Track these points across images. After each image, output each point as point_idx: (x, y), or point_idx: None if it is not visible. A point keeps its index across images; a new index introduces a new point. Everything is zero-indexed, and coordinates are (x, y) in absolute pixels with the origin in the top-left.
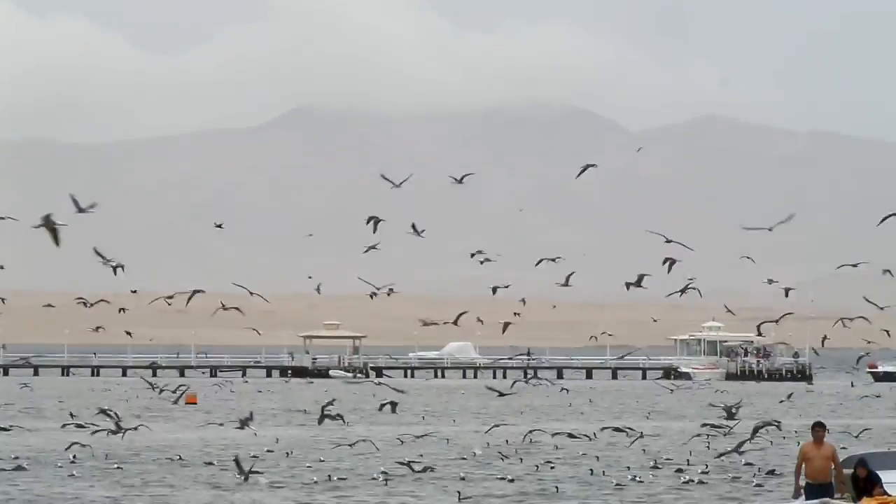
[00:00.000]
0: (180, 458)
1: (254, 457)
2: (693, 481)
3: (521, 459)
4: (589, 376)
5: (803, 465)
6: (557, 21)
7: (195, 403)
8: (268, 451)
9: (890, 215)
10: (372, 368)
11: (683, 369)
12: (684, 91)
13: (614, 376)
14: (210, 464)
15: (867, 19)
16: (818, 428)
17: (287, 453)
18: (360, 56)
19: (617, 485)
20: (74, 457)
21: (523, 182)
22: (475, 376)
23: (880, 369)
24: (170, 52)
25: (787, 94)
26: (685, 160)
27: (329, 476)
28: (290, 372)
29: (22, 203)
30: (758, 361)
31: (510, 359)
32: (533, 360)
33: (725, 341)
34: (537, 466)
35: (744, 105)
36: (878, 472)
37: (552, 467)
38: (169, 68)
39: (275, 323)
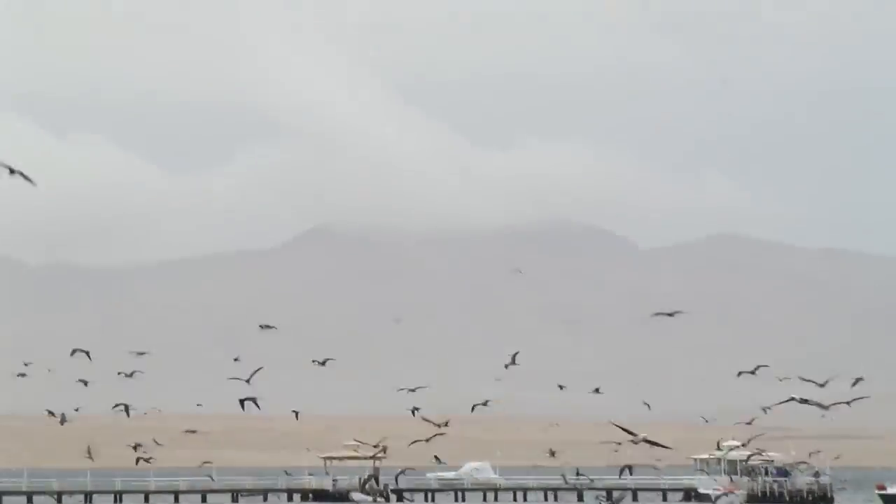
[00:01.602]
0: None
1: None
2: None
3: None
4: (609, 497)
5: None
6: (572, 138)
7: None
8: None
9: None
10: (393, 491)
11: (703, 490)
12: (698, 208)
13: (635, 497)
14: None
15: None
16: None
17: None
18: (379, 175)
19: None
20: None
21: (540, 301)
22: (496, 498)
23: (889, 491)
24: (190, 173)
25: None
26: (698, 277)
27: None
28: (311, 495)
29: (41, 324)
30: (778, 483)
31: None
32: (582, 478)
33: (745, 460)
34: None
35: (756, 221)
36: None
37: None
38: (189, 188)
39: (295, 444)
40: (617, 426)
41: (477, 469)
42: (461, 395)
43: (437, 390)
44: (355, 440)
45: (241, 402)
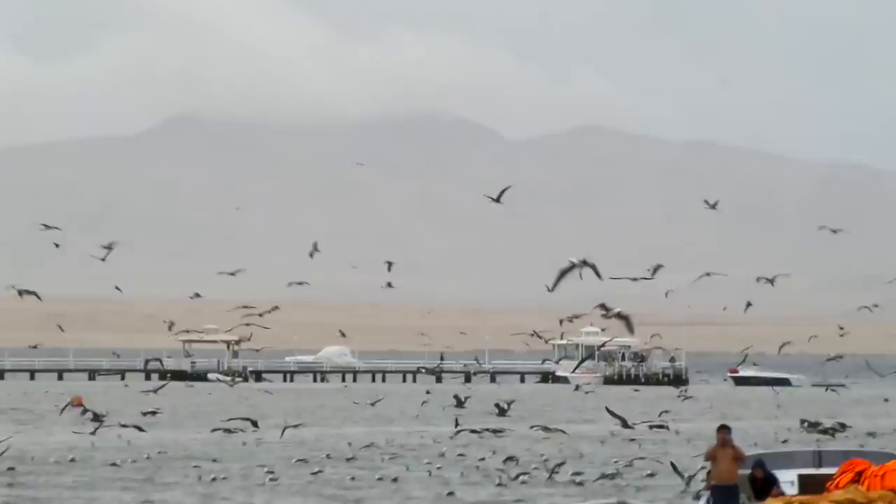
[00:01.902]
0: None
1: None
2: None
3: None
4: (468, 380)
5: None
6: (440, 30)
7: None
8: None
9: None
10: (251, 372)
11: (560, 373)
12: (565, 100)
13: (493, 380)
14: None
15: (740, 24)
16: (722, 430)
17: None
18: (246, 65)
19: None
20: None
21: (404, 192)
22: (354, 380)
23: (741, 373)
24: (53, 58)
25: (664, 103)
26: (563, 169)
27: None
28: (168, 375)
29: None
30: (634, 366)
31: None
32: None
33: (602, 345)
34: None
35: (623, 115)
36: (774, 472)
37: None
38: (52, 74)
39: (156, 327)
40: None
41: (335, 353)
42: (328, 282)
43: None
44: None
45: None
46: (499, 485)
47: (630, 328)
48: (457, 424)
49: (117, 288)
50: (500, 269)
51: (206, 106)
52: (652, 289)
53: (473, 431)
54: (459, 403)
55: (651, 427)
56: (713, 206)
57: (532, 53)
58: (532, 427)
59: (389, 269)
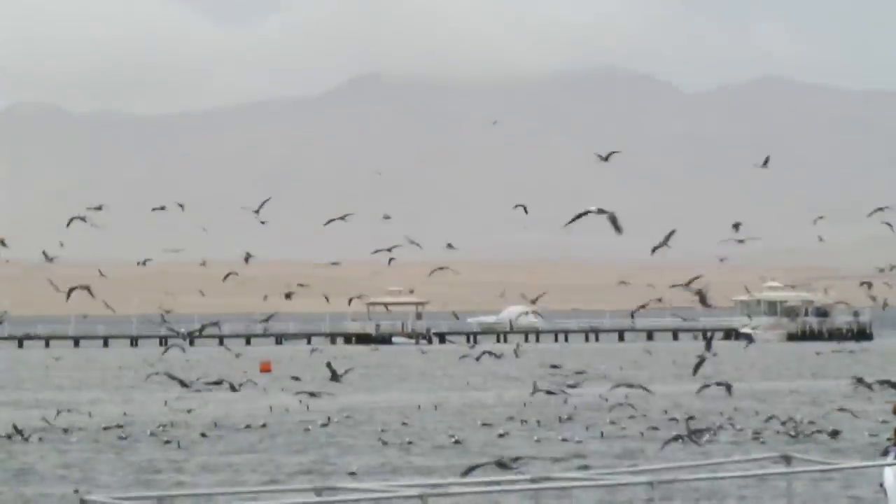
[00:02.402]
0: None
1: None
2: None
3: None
4: (650, 338)
5: None
6: None
7: (269, 371)
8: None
9: None
10: (435, 334)
11: (743, 330)
12: (742, 52)
13: (675, 338)
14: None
15: None
16: None
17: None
18: (427, 25)
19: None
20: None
21: (582, 146)
22: (537, 339)
23: None
24: (238, 21)
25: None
26: (742, 121)
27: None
28: (354, 339)
29: (90, 173)
30: (818, 321)
31: None
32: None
33: (785, 301)
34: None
35: (803, 65)
36: None
37: None
38: (237, 37)
39: (339, 290)
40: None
41: (518, 313)
42: (498, 240)
43: (474, 235)
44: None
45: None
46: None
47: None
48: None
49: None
50: (680, 223)
51: (388, 65)
52: (835, 243)
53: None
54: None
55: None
56: None
57: (707, 5)
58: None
59: (526, 212)
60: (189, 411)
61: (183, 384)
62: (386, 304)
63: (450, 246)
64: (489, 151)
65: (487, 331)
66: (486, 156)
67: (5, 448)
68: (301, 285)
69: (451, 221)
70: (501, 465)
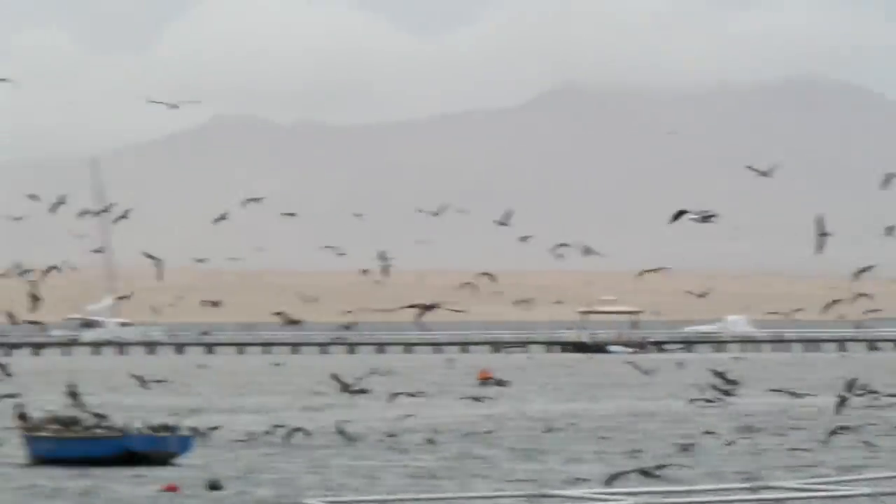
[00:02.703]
0: None
1: None
2: None
3: None
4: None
5: None
6: None
7: (489, 379)
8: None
9: None
10: (652, 343)
11: None
12: None
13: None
14: None
15: None
16: None
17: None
18: (617, 33)
19: None
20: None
21: (790, 157)
22: (756, 349)
23: None
24: (435, 33)
25: None
26: None
27: None
28: (569, 347)
29: (294, 183)
30: None
31: None
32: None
33: None
34: None
35: None
36: None
37: None
38: (434, 49)
39: (552, 299)
40: None
41: (734, 322)
42: (715, 251)
43: (681, 242)
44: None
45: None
46: None
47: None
48: None
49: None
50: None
51: (582, 76)
52: None
53: None
54: None
55: None
56: None
57: None
58: None
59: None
60: (407, 417)
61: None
62: (600, 313)
63: (658, 253)
64: (693, 161)
65: (705, 340)
66: (690, 166)
67: (241, 452)
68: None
69: (658, 229)
70: (645, 472)
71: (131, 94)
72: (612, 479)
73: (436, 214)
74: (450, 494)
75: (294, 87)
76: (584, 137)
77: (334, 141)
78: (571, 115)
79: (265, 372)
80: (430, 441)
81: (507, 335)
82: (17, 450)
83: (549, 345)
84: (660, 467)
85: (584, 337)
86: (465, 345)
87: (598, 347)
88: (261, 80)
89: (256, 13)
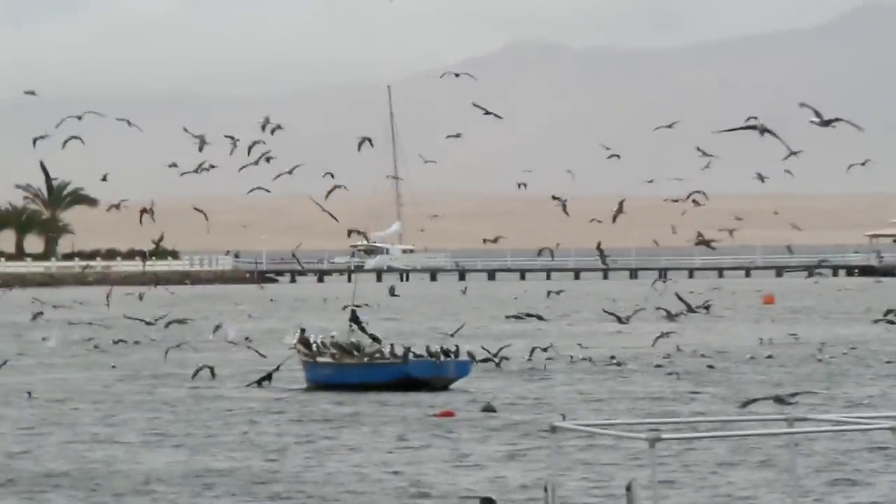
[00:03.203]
0: None
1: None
2: None
3: None
4: None
5: None
6: None
7: (772, 303)
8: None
9: None
10: None
11: None
12: None
13: None
14: None
15: None
16: None
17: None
18: None
19: None
20: None
21: None
22: None
23: None
24: None
25: None
26: None
27: None
28: (856, 271)
29: (587, 107)
30: None
31: None
32: None
33: None
34: None
35: None
36: None
37: None
38: None
39: (840, 223)
40: None
41: None
42: None
43: None
44: None
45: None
46: None
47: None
48: None
49: None
50: None
51: None
52: None
53: None
54: None
55: None
56: None
57: None
58: None
59: None
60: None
61: (671, 316)
62: (888, 236)
63: None
64: None
65: None
66: None
67: (515, 377)
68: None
69: None
70: (779, 400)
71: (428, 20)
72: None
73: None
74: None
75: (589, 12)
76: (885, 62)
77: (626, 65)
78: (873, 37)
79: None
80: (710, 366)
81: (791, 260)
82: (297, 374)
83: (835, 268)
84: None
85: (873, 260)
86: (747, 269)
87: (885, 271)
88: (556, 6)
89: None
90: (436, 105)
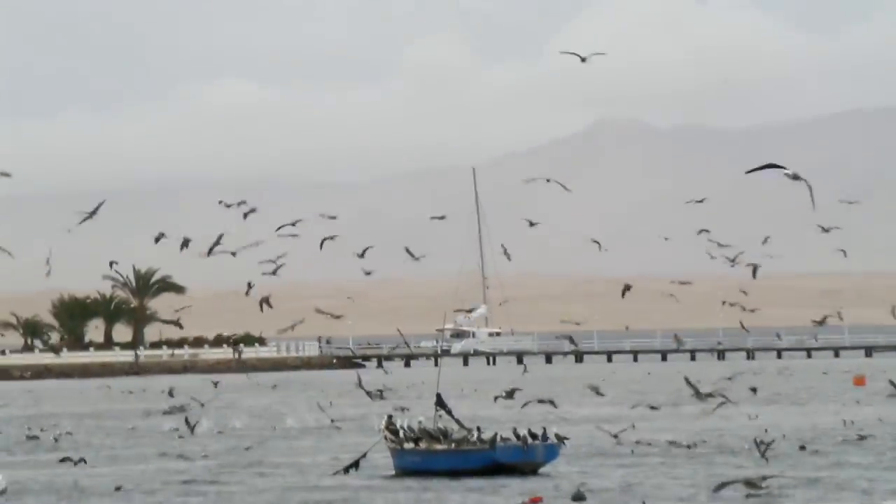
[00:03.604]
0: None
1: None
2: None
3: None
4: None
5: None
6: None
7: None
8: None
9: None
10: None
11: None
12: None
13: None
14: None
15: None
16: None
17: None
18: None
19: None
20: None
21: None
22: None
23: None
24: (828, 32)
25: None
26: None
27: None
28: None
29: (677, 186)
30: None
31: None
32: None
33: None
34: None
35: None
36: None
37: None
38: (828, 48)
39: None
40: None
41: None
42: None
43: None
44: None
45: None
46: None
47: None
48: None
49: None
50: None
51: None
52: None
53: None
54: None
55: None
56: None
57: None
58: None
59: None
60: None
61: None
62: None
63: None
64: None
65: None
66: None
67: (601, 461)
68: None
69: None
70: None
71: (518, 103)
72: None
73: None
74: None
75: (676, 90)
76: None
77: (715, 144)
78: None
79: (637, 379)
80: (802, 447)
81: (879, 338)
82: (385, 460)
83: None
84: None
85: None
86: (836, 349)
87: None
88: (642, 85)
89: (640, 16)
90: (521, 186)
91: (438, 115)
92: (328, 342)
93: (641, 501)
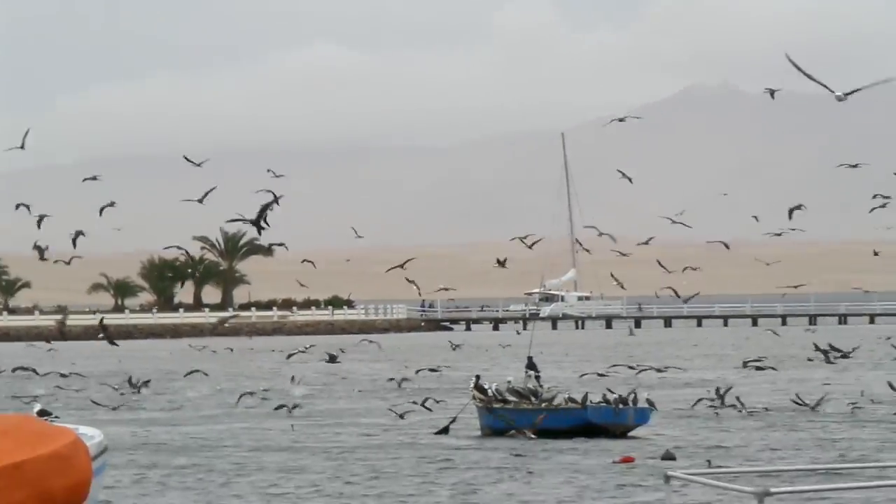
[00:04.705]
0: None
1: None
2: None
3: None
4: None
5: None
6: None
7: None
8: None
9: None
10: None
11: None
12: None
13: None
14: None
15: None
16: None
17: None
18: None
19: None
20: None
21: None
22: None
23: None
24: None
25: None
26: None
27: None
28: None
29: (766, 152)
30: None
31: None
32: None
33: None
34: None
35: None
36: None
37: None
38: None
39: None
40: None
41: None
42: None
43: None
44: None
45: None
46: None
47: None
48: None
49: None
50: None
51: None
52: None
53: None
54: None
55: None
56: None
57: None
58: None
59: None
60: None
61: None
62: None
63: None
64: None
65: None
66: None
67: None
68: None
69: None
70: None
71: (607, 68)
72: None
73: None
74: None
75: (765, 55)
76: None
77: (805, 109)
78: None
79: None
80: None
81: None
82: (473, 421)
83: None
84: None
85: None
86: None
87: None
88: (733, 49)
89: None
90: (610, 151)
91: (527, 79)
92: (430, 305)
93: (707, 460)
